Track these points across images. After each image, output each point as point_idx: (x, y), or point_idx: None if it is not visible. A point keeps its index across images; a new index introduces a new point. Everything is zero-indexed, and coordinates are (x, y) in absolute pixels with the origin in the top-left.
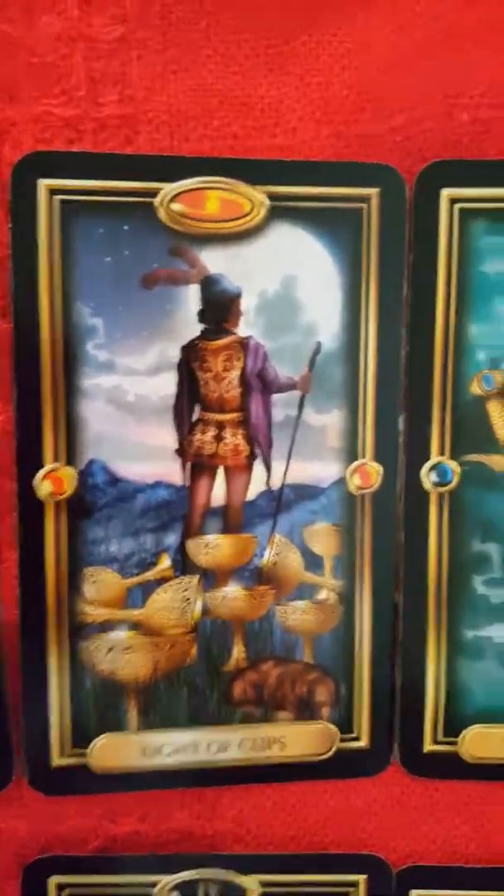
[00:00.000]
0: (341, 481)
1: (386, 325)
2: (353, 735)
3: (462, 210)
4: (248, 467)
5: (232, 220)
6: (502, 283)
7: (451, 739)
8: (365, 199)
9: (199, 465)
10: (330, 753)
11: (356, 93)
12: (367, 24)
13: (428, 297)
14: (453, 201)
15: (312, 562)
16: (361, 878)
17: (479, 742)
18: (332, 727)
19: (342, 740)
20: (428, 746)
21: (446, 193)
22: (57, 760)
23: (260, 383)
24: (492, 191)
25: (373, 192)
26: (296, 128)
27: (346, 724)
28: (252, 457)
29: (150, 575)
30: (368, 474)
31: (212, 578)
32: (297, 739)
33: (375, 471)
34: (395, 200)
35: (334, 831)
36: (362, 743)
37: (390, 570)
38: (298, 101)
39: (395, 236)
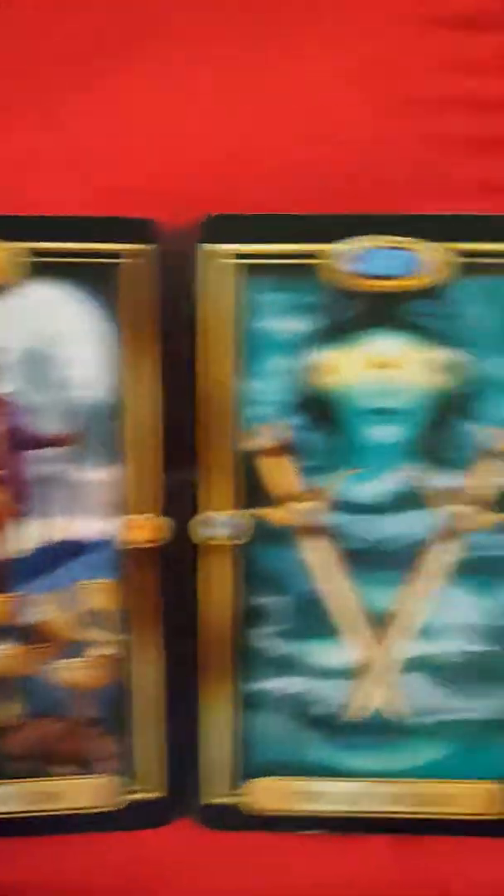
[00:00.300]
0: (118, 536)
1: (155, 380)
2: (140, 787)
3: (242, 265)
4: (12, 524)
5: None
6: (275, 339)
7: (242, 791)
8: (124, 255)
9: None
10: (114, 806)
11: (115, 146)
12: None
13: (212, 351)
14: (235, 256)
15: (90, 617)
16: None
17: (266, 794)
18: (115, 779)
19: (128, 792)
20: (216, 798)
21: (227, 249)
22: None
23: (20, 439)
24: (270, 246)
25: (132, 247)
26: (53, 182)
27: (130, 777)
28: (19, 513)
29: None
30: (147, 528)
31: None
32: (78, 792)
33: (154, 525)
34: (178, 255)
35: (123, 884)
36: (150, 795)
37: (170, 624)
38: (57, 155)
39: (179, 291)
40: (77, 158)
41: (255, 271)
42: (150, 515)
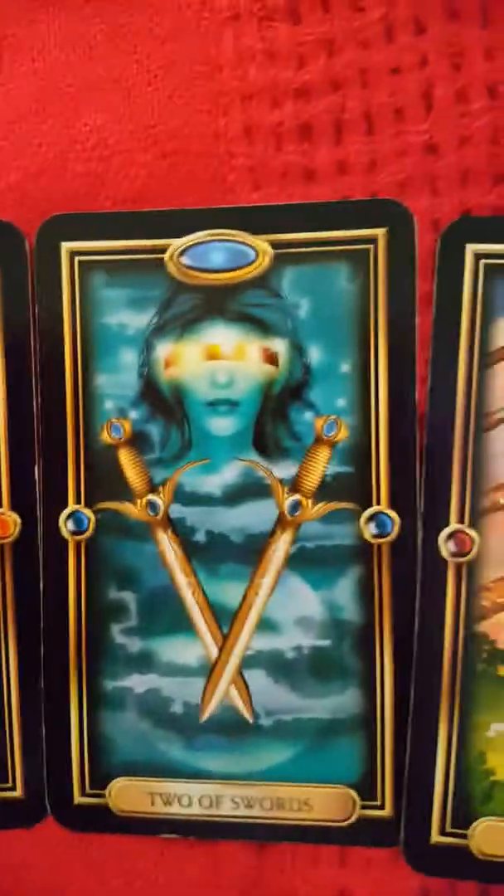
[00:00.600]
0: None
1: (14, 376)
2: (8, 785)
3: (82, 263)
4: None
5: None
6: (124, 333)
7: (99, 791)
8: None
9: None
10: None
11: None
12: None
13: (55, 348)
14: (73, 254)
15: None
16: None
17: (124, 795)
18: None
19: None
20: (78, 798)
21: (66, 247)
22: None
23: None
24: (108, 243)
25: None
26: None
27: None
28: None
29: None
30: (5, 524)
31: None
32: None
33: (12, 520)
34: (16, 256)
35: None
36: (17, 793)
37: (35, 621)
38: None
39: (19, 290)
40: None
41: (95, 268)
42: (13, 511)
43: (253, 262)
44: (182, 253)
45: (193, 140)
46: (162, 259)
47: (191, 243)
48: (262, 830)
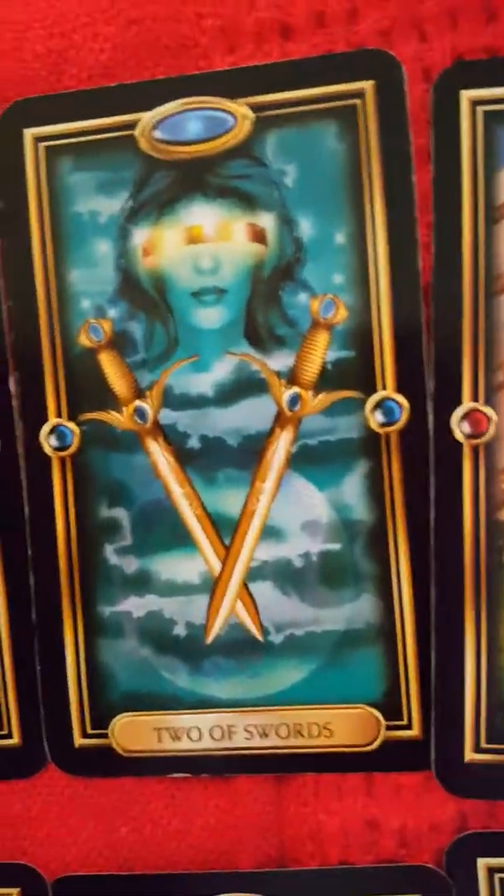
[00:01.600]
0: None
1: None
2: (3, 732)
3: (47, 148)
4: None
5: None
6: (96, 221)
7: (101, 731)
8: None
9: None
10: None
11: None
12: None
13: (22, 243)
14: (37, 140)
15: None
16: (15, 892)
17: (129, 732)
18: None
19: None
20: (78, 741)
21: (29, 133)
22: None
23: None
24: (74, 124)
25: None
26: None
27: None
28: None
29: None
30: None
31: None
32: None
33: None
34: None
35: None
36: (13, 741)
37: (21, 548)
38: None
39: None
40: None
41: (62, 153)
42: None
43: (232, 128)
44: (154, 127)
45: (159, 4)
46: (132, 135)
47: (163, 115)
48: (280, 761)
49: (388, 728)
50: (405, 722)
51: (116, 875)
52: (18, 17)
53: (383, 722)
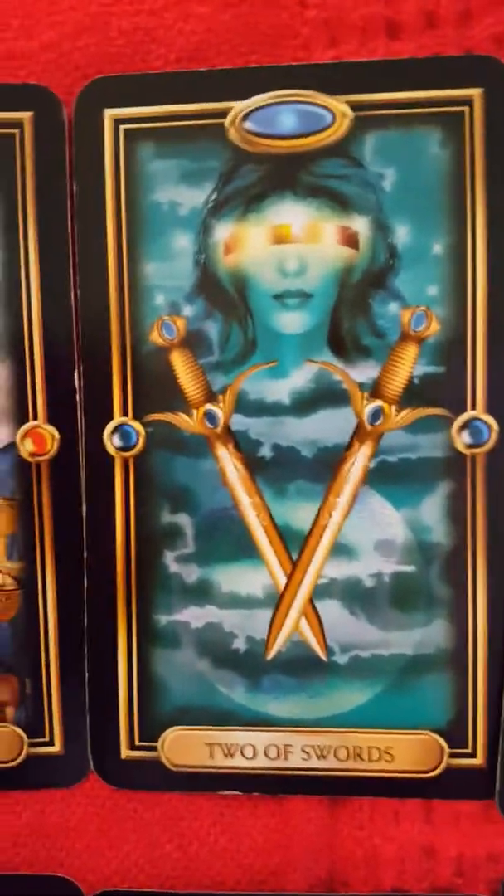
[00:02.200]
0: (11, 447)
1: (51, 266)
2: (45, 739)
3: (127, 131)
4: None
5: None
6: (177, 213)
7: (150, 744)
8: (17, 125)
9: None
10: (18, 760)
11: None
12: None
13: (97, 232)
14: (118, 122)
15: None
16: None
17: (179, 747)
18: (18, 731)
19: (32, 745)
20: (125, 752)
21: (110, 114)
22: None
23: None
24: (158, 108)
25: (25, 116)
26: None
27: (35, 728)
28: None
29: None
30: (42, 439)
31: None
32: None
33: (50, 435)
34: (52, 125)
35: (26, 850)
36: (55, 748)
37: (77, 549)
38: None
39: (55, 164)
40: None
41: (143, 137)
42: (51, 425)
43: (329, 126)
44: (245, 117)
45: None
46: (222, 124)
47: (256, 106)
48: (337, 784)
49: (452, 756)
50: (469, 750)
51: (158, 892)
52: None
53: (447, 749)
